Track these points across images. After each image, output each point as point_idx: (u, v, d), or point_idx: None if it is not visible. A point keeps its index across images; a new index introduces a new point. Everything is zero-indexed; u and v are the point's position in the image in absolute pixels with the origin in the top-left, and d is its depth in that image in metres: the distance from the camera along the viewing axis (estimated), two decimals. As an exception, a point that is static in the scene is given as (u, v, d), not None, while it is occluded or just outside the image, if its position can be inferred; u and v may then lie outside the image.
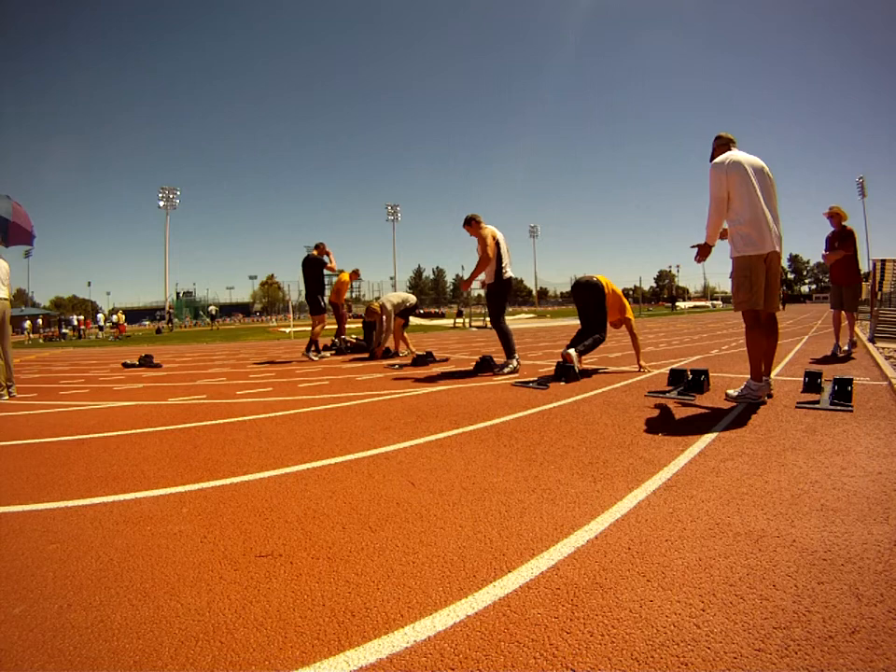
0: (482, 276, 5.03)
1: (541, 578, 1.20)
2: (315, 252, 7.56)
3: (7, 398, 4.56)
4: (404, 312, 7.25)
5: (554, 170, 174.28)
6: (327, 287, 8.22)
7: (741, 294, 3.07)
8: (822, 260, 5.32)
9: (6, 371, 4.64)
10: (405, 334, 7.43)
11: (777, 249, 3.08)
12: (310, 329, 7.66)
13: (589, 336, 4.56)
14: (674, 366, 4.55)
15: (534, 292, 74.49)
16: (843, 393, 2.95)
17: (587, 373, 4.60)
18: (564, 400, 3.41)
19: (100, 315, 31.88)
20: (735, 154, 3.14)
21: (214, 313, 39.64)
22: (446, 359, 6.53)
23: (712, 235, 3.16)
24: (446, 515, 1.59)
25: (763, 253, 3.03)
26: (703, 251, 3.22)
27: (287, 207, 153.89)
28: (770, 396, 3.22)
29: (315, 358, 7.24)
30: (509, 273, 4.97)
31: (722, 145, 3.30)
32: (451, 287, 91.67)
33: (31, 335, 27.33)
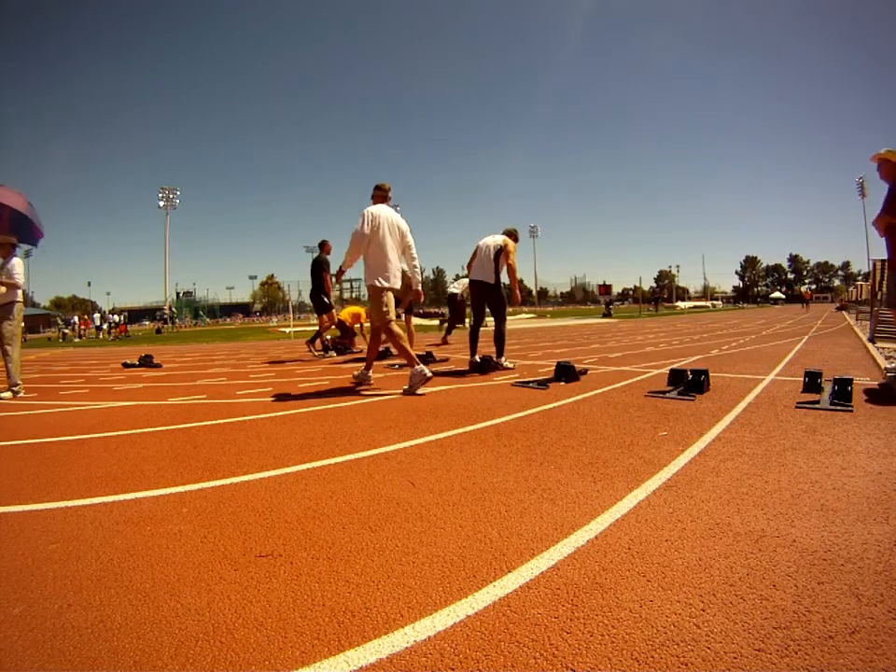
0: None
1: (541, 578, 1.20)
2: (323, 252, 7.64)
3: (8, 394, 4.56)
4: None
5: (554, 170, 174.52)
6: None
7: (391, 314, 4.14)
8: (874, 227, 3.88)
9: (10, 372, 4.63)
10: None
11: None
12: (307, 328, 7.77)
13: None
14: (674, 366, 4.55)
15: (534, 292, 74.52)
16: (843, 393, 2.96)
17: (583, 372, 4.61)
18: (564, 400, 3.41)
19: (97, 315, 30.88)
20: (382, 209, 4.18)
21: (171, 314, 33.95)
22: (446, 359, 6.53)
23: (350, 262, 4.22)
24: (446, 515, 1.59)
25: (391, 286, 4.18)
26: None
27: (287, 207, 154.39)
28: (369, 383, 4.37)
29: (316, 354, 7.47)
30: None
31: (382, 196, 4.28)
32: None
33: (86, 328, 27.79)
